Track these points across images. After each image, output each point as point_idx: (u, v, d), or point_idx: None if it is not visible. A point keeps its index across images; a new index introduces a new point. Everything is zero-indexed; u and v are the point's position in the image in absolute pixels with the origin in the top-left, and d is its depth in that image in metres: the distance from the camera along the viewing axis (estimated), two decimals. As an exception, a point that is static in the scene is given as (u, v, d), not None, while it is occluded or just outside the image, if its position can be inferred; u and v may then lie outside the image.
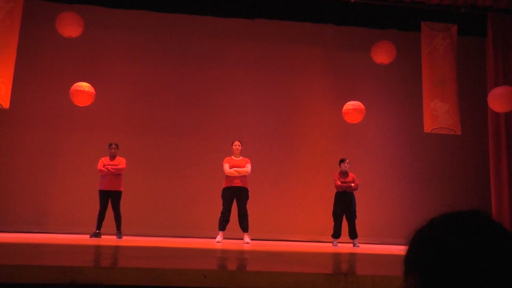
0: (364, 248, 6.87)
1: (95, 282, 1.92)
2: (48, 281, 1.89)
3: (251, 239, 7.03)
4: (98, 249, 3.43)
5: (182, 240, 6.94)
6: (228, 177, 6.99)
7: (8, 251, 3.00)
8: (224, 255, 3.36)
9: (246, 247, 5.44)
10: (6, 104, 7.66)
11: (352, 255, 3.86)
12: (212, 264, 2.65)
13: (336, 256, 3.62)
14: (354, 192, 7.60)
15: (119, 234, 7.14)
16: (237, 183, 6.93)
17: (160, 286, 1.99)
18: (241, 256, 3.26)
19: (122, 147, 7.70)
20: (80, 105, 7.94)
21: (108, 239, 6.40)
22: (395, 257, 3.79)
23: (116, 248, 3.49)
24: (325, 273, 2.08)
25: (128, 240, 6.05)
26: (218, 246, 5.24)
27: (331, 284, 2.07)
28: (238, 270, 2.02)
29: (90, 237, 6.94)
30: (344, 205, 7.48)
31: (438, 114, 8.87)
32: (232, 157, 7.15)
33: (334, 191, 7.68)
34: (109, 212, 7.24)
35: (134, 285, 1.94)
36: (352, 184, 7.50)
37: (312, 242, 8.83)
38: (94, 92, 7.87)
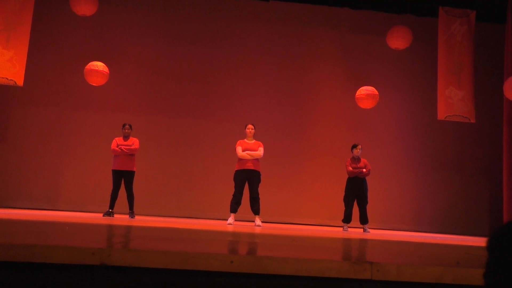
0: (375, 233, 6.88)
1: (125, 264, 1.94)
2: (77, 262, 1.91)
3: (262, 222, 7.07)
4: (122, 230, 3.46)
5: (196, 222, 6.99)
6: (240, 160, 6.99)
7: (33, 230, 3.03)
8: (247, 239, 3.38)
9: (258, 230, 5.47)
10: (20, 82, 7.69)
11: (374, 242, 3.87)
12: (238, 249, 2.67)
13: (358, 243, 3.63)
14: (366, 178, 7.58)
15: (131, 213, 7.20)
16: (250, 166, 6.93)
17: (186, 269, 2.00)
18: (262, 241, 3.27)
19: (135, 128, 7.71)
20: (94, 84, 7.95)
21: (121, 219, 6.46)
22: (419, 245, 3.80)
23: (141, 230, 3.52)
24: (350, 261, 2.09)
25: (146, 221, 6.10)
26: (230, 228, 5.27)
27: (356, 272, 2.07)
28: (264, 256, 2.03)
29: (103, 216, 7.01)
30: (356, 191, 7.47)
31: (453, 101, 8.78)
32: (245, 140, 7.14)
33: (346, 176, 7.66)
34: (122, 192, 7.28)
35: (163, 268, 1.96)
36: (364, 170, 7.47)
37: (322, 226, 8.87)
38: (108, 71, 7.86)
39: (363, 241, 4.00)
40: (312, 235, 4.68)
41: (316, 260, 2.07)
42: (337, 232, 6.71)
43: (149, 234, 3.03)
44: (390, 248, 3.28)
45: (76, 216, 6.34)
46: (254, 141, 7.14)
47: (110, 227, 3.65)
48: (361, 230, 7.69)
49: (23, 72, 7.65)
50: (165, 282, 1.97)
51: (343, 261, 2.09)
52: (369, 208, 7.63)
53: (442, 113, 8.76)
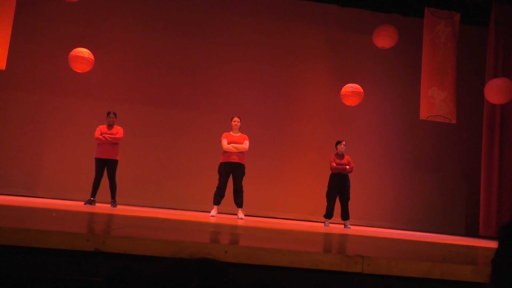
0: (356, 229, 6.98)
1: (119, 251, 1.93)
2: (72, 248, 1.90)
3: (245, 215, 7.09)
4: (110, 218, 3.44)
5: (179, 213, 6.97)
6: (225, 153, 6.99)
7: (21, 215, 2.99)
8: (239, 231, 3.40)
9: (241, 223, 5.49)
10: (2, 65, 7.54)
11: (363, 238, 3.93)
12: (231, 239, 2.68)
13: (347, 238, 3.69)
14: (349, 174, 7.66)
15: (113, 202, 7.14)
16: (234, 159, 6.93)
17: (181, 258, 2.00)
18: (251, 233, 3.29)
19: (119, 116, 7.63)
20: (78, 71, 7.82)
21: (104, 207, 6.40)
22: (405, 242, 3.88)
23: (128, 218, 3.50)
24: (342, 255, 2.12)
25: (129, 210, 6.05)
26: (213, 220, 5.28)
27: (348, 266, 2.11)
28: (258, 247, 2.05)
29: (84, 204, 6.93)
30: (339, 187, 7.54)
31: (435, 101, 8.93)
32: (231, 132, 7.14)
33: (328, 172, 7.72)
34: (103, 181, 7.21)
35: (157, 256, 1.96)
36: (347, 167, 7.55)
37: (303, 221, 8.94)
38: (93, 58, 7.75)
39: (352, 236, 4.06)
40: (301, 229, 4.73)
41: (310, 252, 2.10)
42: (319, 227, 6.78)
43: (137, 223, 3.02)
44: (379, 243, 3.34)
45: (57, 203, 6.26)
46: (239, 134, 7.14)
47: (98, 215, 3.63)
48: (342, 226, 7.78)
49: (6, 55, 7.50)
50: (160, 271, 1.97)
51: (335, 254, 2.12)
52: (349, 204, 7.71)
53: (424, 113, 8.91)
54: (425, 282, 2.16)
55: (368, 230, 7.33)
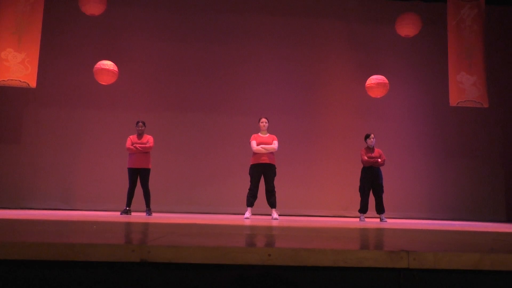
0: (392, 222, 6.87)
1: (164, 261, 1.95)
2: (117, 259, 1.93)
3: (279, 215, 7.08)
4: (154, 227, 3.49)
5: (214, 217, 7.01)
6: (255, 154, 6.99)
7: (69, 229, 3.06)
8: (277, 232, 3.39)
9: (275, 223, 5.48)
10: (33, 84, 7.73)
11: (405, 231, 3.86)
12: (272, 242, 2.67)
13: (388, 232, 3.64)
14: (381, 167, 7.56)
15: (148, 211, 7.23)
16: (265, 160, 6.92)
17: (225, 264, 2.01)
18: (292, 233, 3.28)
19: (147, 125, 7.73)
20: (104, 83, 7.97)
21: (140, 216, 6.49)
22: (447, 233, 3.80)
23: (172, 226, 3.55)
24: (387, 250, 2.08)
25: (165, 218, 6.12)
26: (248, 223, 5.28)
27: (393, 261, 2.07)
28: (301, 248, 2.03)
29: (120, 214, 7.05)
30: (371, 180, 7.45)
31: (465, 87, 8.72)
32: (259, 134, 7.13)
33: (359, 165, 7.64)
34: (138, 190, 7.31)
35: (202, 263, 1.97)
36: (379, 160, 7.45)
37: (337, 217, 8.88)
38: (117, 70, 7.88)
39: (392, 230, 4.00)
40: (338, 226, 4.69)
41: (353, 250, 2.07)
42: (355, 222, 6.71)
43: (177, 230, 3.04)
44: (421, 236, 3.28)
45: (95, 215, 6.39)
46: (268, 134, 7.13)
47: (137, 225, 3.68)
48: (377, 219, 7.67)
49: (36, 73, 7.70)
50: (204, 277, 1.98)
51: (379, 250, 2.08)
52: (384, 197, 7.61)
53: (454, 99, 8.71)
54: (474, 274, 2.10)
55: (406, 222, 7.20)
